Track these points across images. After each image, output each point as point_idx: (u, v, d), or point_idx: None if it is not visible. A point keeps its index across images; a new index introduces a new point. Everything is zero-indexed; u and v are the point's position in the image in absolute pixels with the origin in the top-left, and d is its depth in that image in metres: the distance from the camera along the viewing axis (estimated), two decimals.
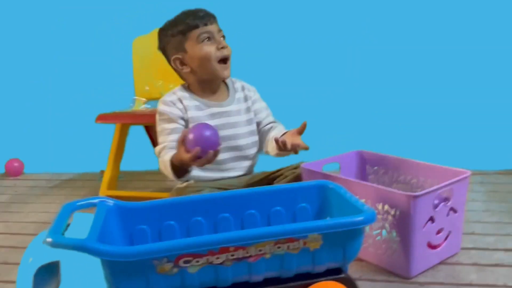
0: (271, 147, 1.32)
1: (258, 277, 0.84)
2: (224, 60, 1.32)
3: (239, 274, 0.83)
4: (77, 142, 2.40)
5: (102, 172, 2.15)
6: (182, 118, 1.34)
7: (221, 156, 1.30)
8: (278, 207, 1.04)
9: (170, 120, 1.33)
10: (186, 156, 1.11)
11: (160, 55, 1.96)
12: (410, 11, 2.28)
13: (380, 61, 2.29)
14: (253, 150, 1.40)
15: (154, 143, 2.15)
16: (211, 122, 1.29)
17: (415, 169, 1.29)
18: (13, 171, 2.30)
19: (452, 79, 2.24)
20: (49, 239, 0.75)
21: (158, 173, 2.23)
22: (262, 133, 1.42)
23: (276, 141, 1.19)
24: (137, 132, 2.03)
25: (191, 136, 1.11)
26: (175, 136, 1.29)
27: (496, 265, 1.12)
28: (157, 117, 1.36)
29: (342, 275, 0.88)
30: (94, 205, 0.95)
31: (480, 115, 2.17)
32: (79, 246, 0.74)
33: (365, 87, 2.30)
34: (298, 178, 1.28)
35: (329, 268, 0.88)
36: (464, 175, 1.12)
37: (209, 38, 1.30)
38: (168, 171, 1.26)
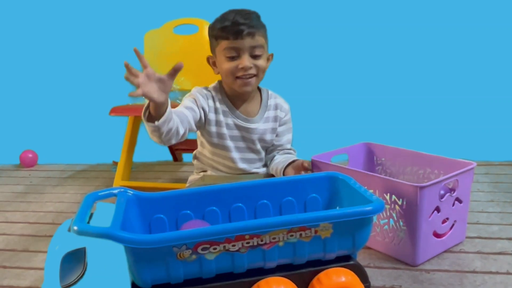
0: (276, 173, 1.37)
1: (271, 264, 0.89)
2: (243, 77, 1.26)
3: (254, 261, 0.87)
4: (89, 133, 2.45)
5: (114, 162, 2.20)
6: (203, 109, 1.31)
7: (235, 162, 1.35)
8: (290, 197, 1.09)
9: (195, 101, 1.30)
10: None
11: (170, 48, 2.01)
12: (417, 4, 2.30)
13: (388, 54, 2.31)
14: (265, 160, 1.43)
15: None
16: (232, 132, 1.34)
17: (421, 160, 1.32)
18: (28, 162, 2.35)
19: (458, 71, 2.26)
20: (75, 228, 0.80)
21: (168, 164, 2.29)
22: (272, 152, 1.42)
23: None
24: None
25: None
26: (184, 110, 1.26)
27: (500, 253, 1.16)
28: (186, 95, 1.33)
29: (352, 262, 0.92)
30: (114, 195, 1.00)
31: (484, 107, 2.20)
32: (104, 234, 0.79)
33: (373, 80, 2.32)
34: None
35: (339, 256, 0.92)
36: (470, 167, 1.16)
37: (235, 54, 1.24)
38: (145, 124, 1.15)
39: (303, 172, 1.22)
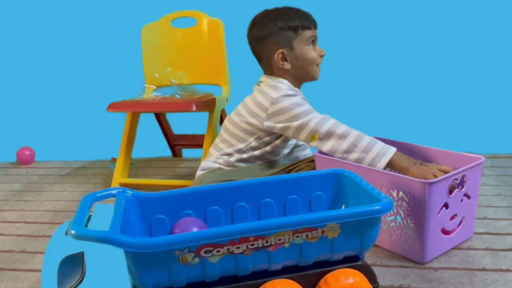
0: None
1: (277, 266, 0.86)
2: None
3: (259, 263, 0.84)
4: (87, 129, 2.43)
5: (113, 159, 2.17)
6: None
7: (284, 151, 1.43)
8: (294, 195, 1.05)
9: (305, 100, 1.35)
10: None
11: (168, 42, 1.97)
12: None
13: (392, 48, 2.29)
14: None
15: (164, 129, 2.17)
16: None
17: (428, 155, 1.29)
18: (25, 160, 2.31)
19: (462, 64, 2.23)
20: (73, 232, 0.77)
21: (168, 160, 2.26)
22: None
23: None
24: (147, 119, 2.04)
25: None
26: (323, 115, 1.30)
27: (510, 249, 1.13)
28: (285, 101, 1.30)
29: (359, 263, 0.89)
30: (113, 195, 0.97)
31: (489, 99, 2.17)
32: (103, 238, 0.75)
33: (378, 74, 2.29)
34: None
35: (347, 256, 0.89)
36: (478, 161, 1.13)
37: (315, 43, 1.36)
38: (377, 162, 1.18)
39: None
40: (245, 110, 1.37)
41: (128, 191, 0.98)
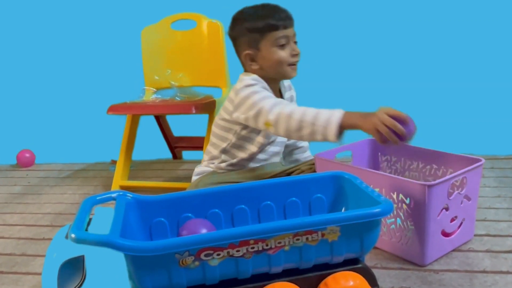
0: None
1: (277, 269, 0.86)
2: (294, 63, 1.34)
3: (259, 266, 0.84)
4: (87, 132, 2.43)
5: (112, 161, 2.17)
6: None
7: (271, 149, 1.41)
8: (294, 198, 1.05)
9: (265, 88, 1.31)
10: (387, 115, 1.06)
11: (168, 44, 1.97)
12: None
13: (391, 49, 2.29)
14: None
15: (164, 132, 2.17)
16: None
17: (427, 156, 1.29)
18: (25, 162, 2.31)
19: (461, 64, 2.23)
20: (73, 235, 0.77)
21: (168, 162, 2.26)
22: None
23: None
24: (147, 121, 2.05)
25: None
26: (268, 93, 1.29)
27: (510, 251, 1.13)
28: (246, 90, 1.29)
29: (360, 265, 0.89)
30: (113, 199, 0.97)
31: (489, 100, 2.17)
32: (103, 242, 0.75)
33: (376, 75, 2.29)
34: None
35: (347, 259, 0.89)
36: (478, 164, 1.13)
37: (284, 43, 1.30)
38: (326, 130, 1.13)
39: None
40: (221, 109, 1.39)
41: (128, 194, 0.98)
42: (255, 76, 1.33)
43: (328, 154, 1.29)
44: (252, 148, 1.37)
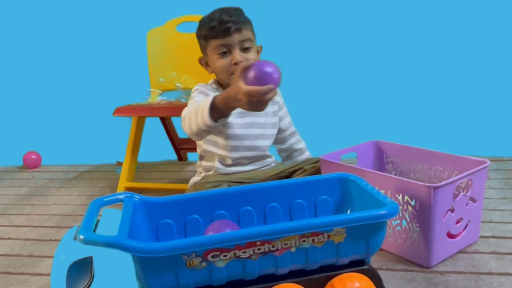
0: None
1: (283, 270, 0.86)
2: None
3: (265, 267, 0.85)
4: (93, 133, 2.44)
5: (118, 163, 2.19)
6: None
7: (242, 154, 1.37)
8: (300, 200, 1.06)
9: (203, 93, 1.32)
10: (244, 87, 1.00)
11: (173, 47, 1.99)
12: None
13: (395, 51, 2.29)
14: (268, 152, 1.45)
15: (170, 133, 2.18)
16: (240, 120, 1.35)
17: (432, 158, 1.30)
18: (31, 164, 2.33)
19: (465, 65, 2.23)
20: (81, 237, 0.77)
21: (173, 163, 2.27)
22: (285, 141, 1.50)
23: None
24: (153, 123, 2.06)
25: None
26: (203, 98, 1.28)
27: None
28: (192, 94, 1.34)
29: (365, 267, 0.90)
30: (120, 200, 0.97)
31: (494, 102, 2.17)
32: (111, 243, 0.76)
33: (382, 78, 2.30)
34: (317, 172, 1.31)
35: (353, 260, 0.89)
36: (483, 165, 1.13)
37: (226, 51, 1.28)
38: (203, 113, 1.12)
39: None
40: None
41: (135, 196, 0.99)
42: (211, 81, 1.39)
43: (333, 156, 1.30)
44: (219, 151, 1.37)
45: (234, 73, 1.21)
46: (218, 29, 1.27)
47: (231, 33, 1.26)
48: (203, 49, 1.35)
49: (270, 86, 1.00)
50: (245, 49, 1.30)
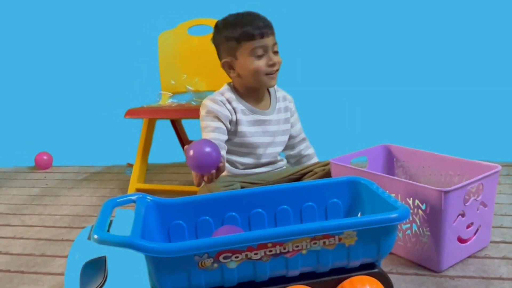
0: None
1: (294, 272, 0.87)
2: (272, 72, 1.33)
3: (276, 269, 0.85)
4: (104, 135, 2.45)
5: (129, 164, 2.20)
6: (230, 121, 1.34)
7: (253, 160, 1.39)
8: (310, 202, 1.07)
9: (217, 118, 1.33)
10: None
11: (184, 49, 2.00)
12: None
13: (406, 55, 2.28)
14: (279, 157, 1.47)
15: (180, 136, 2.19)
16: (253, 129, 1.37)
17: (443, 163, 1.29)
18: (43, 164, 2.35)
19: (479, 70, 2.22)
20: (95, 236, 0.79)
21: (183, 165, 2.28)
22: (294, 148, 1.50)
23: None
24: (163, 125, 2.07)
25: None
26: (217, 135, 1.31)
27: None
28: (202, 112, 1.36)
29: (376, 270, 0.90)
30: (133, 201, 0.99)
31: (506, 107, 2.15)
32: (125, 243, 0.77)
33: (392, 81, 2.29)
34: (327, 175, 1.31)
35: (363, 263, 0.90)
36: (494, 170, 1.13)
37: (262, 53, 1.30)
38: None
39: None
40: None
41: (148, 197, 1.00)
42: (226, 87, 1.39)
43: (343, 160, 1.30)
44: (231, 157, 1.39)
45: (269, 74, 1.31)
46: (256, 31, 1.28)
47: (268, 35, 1.30)
48: (231, 51, 1.32)
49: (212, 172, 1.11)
50: (275, 53, 1.33)
